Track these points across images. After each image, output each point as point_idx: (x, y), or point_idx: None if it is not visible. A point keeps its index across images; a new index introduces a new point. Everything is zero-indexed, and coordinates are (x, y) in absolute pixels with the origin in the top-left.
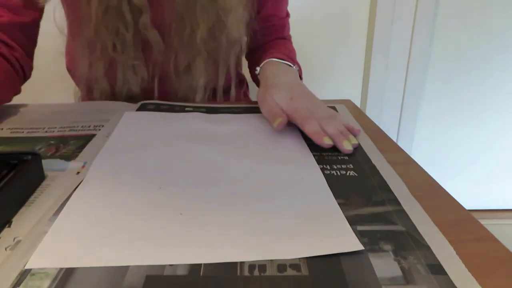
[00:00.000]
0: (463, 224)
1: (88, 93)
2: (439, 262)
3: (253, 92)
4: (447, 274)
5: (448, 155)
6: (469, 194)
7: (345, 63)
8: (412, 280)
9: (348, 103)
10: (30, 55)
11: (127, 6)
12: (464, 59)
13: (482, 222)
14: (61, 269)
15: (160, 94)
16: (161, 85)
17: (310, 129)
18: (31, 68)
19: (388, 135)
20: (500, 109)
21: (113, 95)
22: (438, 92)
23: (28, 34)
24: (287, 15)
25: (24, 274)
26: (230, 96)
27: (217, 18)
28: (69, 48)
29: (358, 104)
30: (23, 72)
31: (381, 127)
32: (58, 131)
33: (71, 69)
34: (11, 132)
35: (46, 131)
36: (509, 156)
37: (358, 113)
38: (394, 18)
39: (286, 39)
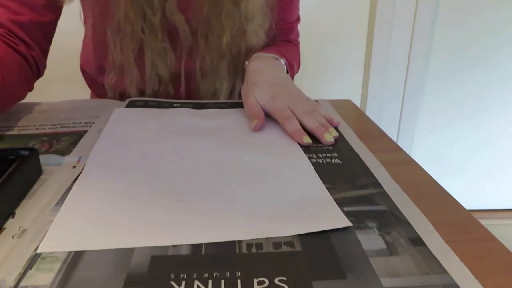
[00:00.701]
0: (463, 224)
1: (118, 82)
2: (419, 235)
3: None
4: (426, 245)
5: (448, 155)
6: (469, 194)
7: (345, 63)
8: (395, 251)
9: (348, 103)
10: (45, 54)
11: None
12: (463, 59)
13: (482, 222)
14: (70, 252)
15: (186, 94)
16: (186, 85)
17: (290, 128)
18: (44, 67)
19: (388, 135)
20: (500, 108)
21: (143, 83)
22: (438, 92)
23: (45, 34)
24: (297, 19)
25: (35, 258)
26: None
27: (240, 24)
28: (85, 49)
29: (358, 103)
30: (38, 70)
31: (381, 127)
32: (49, 128)
33: (87, 70)
34: (1, 130)
35: (37, 129)
36: (510, 155)
37: (358, 113)
38: (394, 18)
39: (292, 42)
